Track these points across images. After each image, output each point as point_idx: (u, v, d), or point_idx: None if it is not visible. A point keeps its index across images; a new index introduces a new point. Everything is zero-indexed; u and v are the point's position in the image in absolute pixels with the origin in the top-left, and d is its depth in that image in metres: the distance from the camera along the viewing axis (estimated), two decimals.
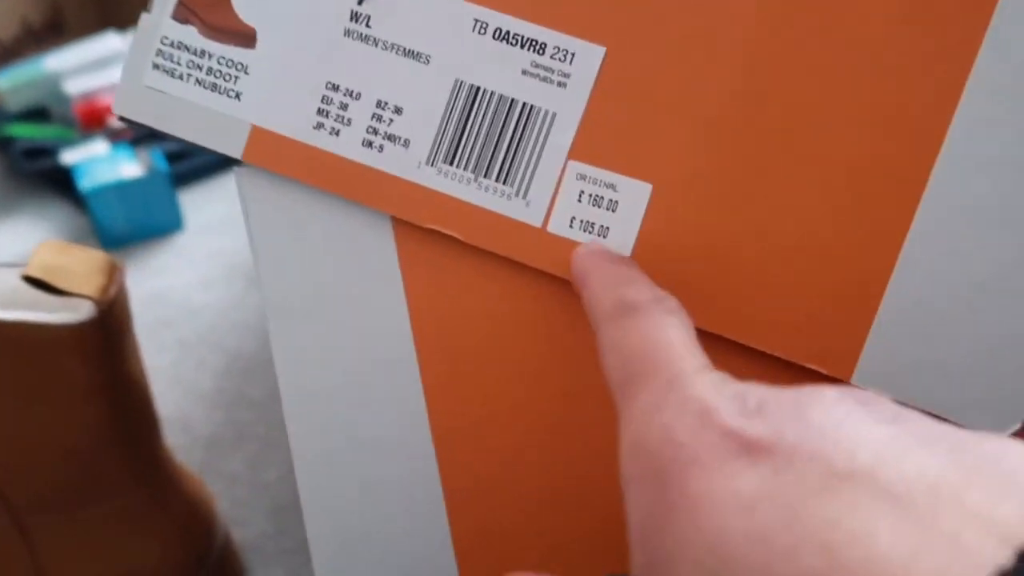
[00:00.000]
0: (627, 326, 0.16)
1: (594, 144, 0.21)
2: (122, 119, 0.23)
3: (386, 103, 0.22)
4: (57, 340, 0.32)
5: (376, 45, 0.21)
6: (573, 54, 0.21)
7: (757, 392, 0.14)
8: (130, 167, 0.74)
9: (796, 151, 0.21)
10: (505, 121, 0.21)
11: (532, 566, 0.22)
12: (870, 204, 0.21)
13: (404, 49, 0.21)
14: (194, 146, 0.23)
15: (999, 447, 0.12)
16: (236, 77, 0.22)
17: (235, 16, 0.22)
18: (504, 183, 0.21)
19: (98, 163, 0.75)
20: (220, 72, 0.22)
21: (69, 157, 0.79)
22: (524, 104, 0.21)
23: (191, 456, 0.55)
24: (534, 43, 0.21)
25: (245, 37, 0.22)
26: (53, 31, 1.05)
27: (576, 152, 0.21)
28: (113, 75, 0.89)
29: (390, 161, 0.22)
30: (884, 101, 0.20)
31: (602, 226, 0.21)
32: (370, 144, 0.22)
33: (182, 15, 0.22)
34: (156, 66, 0.22)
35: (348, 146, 0.22)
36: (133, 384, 0.36)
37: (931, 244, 0.21)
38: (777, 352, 0.21)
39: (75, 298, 0.32)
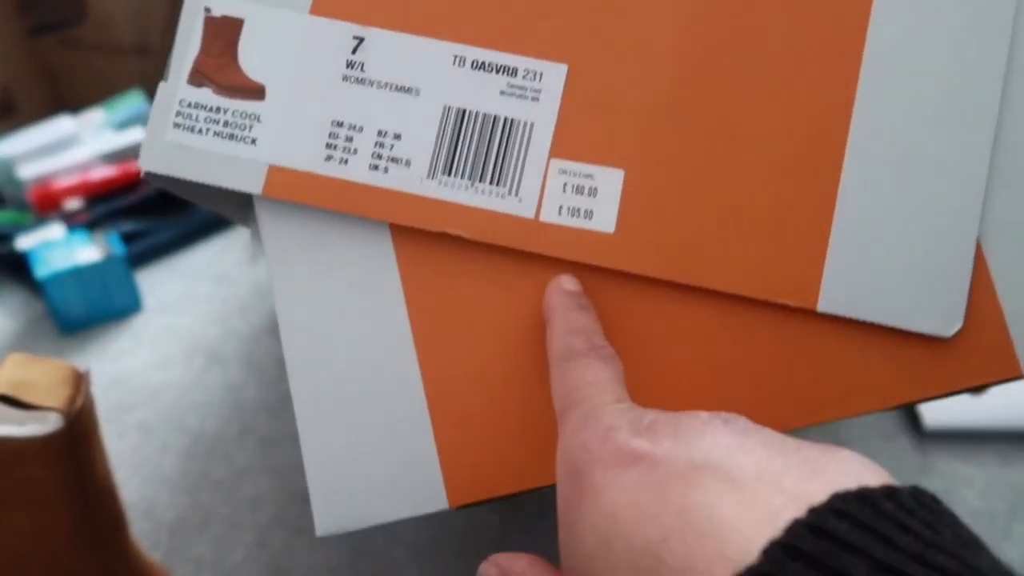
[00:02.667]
0: (569, 367, 0.21)
1: (570, 143, 0.25)
2: (148, 176, 0.25)
3: (386, 132, 0.25)
4: (26, 451, 0.34)
5: (372, 85, 0.25)
6: (541, 73, 0.25)
7: (650, 415, 0.19)
8: (86, 252, 0.75)
9: (737, 131, 0.25)
10: (491, 134, 0.25)
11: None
12: (804, 159, 0.25)
13: (396, 86, 0.25)
14: (216, 189, 0.25)
15: (824, 451, 0.16)
16: (250, 126, 0.25)
17: (243, 75, 0.25)
18: (497, 185, 0.25)
19: (54, 248, 0.76)
20: (236, 123, 0.25)
21: (24, 242, 0.79)
22: (505, 119, 0.25)
23: (156, 542, 0.55)
24: (507, 68, 0.25)
25: (255, 92, 0.25)
26: (3, 112, 1.05)
27: (556, 151, 0.25)
28: (66, 158, 0.90)
29: (395, 179, 0.25)
30: (795, 88, 0.25)
31: (587, 210, 0.25)
32: (376, 167, 0.25)
33: (196, 80, 0.25)
34: (176, 125, 0.25)
35: (357, 171, 0.25)
36: (100, 485, 0.37)
37: (860, 182, 0.24)
38: (749, 293, 0.24)
39: (42, 410, 0.34)
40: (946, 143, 0.24)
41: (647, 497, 0.16)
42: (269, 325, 0.77)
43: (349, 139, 0.25)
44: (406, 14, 0.25)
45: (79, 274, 0.73)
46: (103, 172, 0.89)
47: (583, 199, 0.24)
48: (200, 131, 0.25)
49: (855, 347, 0.24)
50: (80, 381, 0.35)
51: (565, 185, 0.24)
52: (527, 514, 0.56)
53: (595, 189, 0.24)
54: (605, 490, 0.17)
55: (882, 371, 0.24)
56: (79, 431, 0.34)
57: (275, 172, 0.25)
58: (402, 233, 0.25)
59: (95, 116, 0.99)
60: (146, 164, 0.25)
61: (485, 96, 0.25)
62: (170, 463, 0.62)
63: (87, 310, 0.75)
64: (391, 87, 0.25)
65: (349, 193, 0.24)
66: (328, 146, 0.25)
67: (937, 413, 0.62)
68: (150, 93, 1.09)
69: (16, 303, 0.79)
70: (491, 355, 0.25)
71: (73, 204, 0.86)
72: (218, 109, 0.25)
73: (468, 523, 0.56)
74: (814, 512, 0.14)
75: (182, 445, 0.64)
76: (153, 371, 0.71)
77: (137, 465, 0.61)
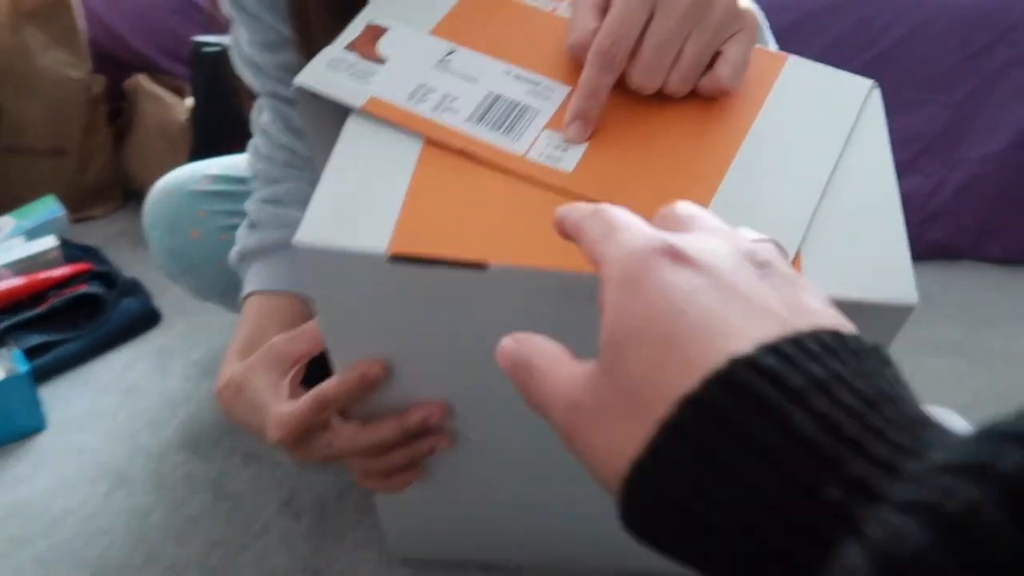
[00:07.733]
0: (596, 217, 0.27)
1: (559, 124, 0.40)
2: (297, 90, 0.41)
3: (449, 95, 0.41)
4: None
5: (450, 73, 0.42)
6: (554, 87, 0.41)
7: (675, 231, 0.25)
8: None
9: (663, 136, 0.40)
10: (513, 110, 0.41)
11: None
12: (704, 157, 0.39)
13: (465, 75, 0.42)
14: (333, 100, 0.40)
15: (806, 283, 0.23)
16: (369, 75, 0.41)
17: (377, 51, 0.42)
18: (507, 135, 0.39)
19: None
20: (361, 71, 0.42)
21: None
22: (524, 104, 0.41)
23: None
24: (533, 81, 0.42)
25: (379, 60, 0.42)
26: None
27: (548, 126, 0.40)
28: None
29: (446, 118, 0.40)
30: (708, 117, 0.41)
31: (558, 157, 0.39)
32: (436, 109, 0.40)
33: (350, 48, 0.43)
34: (328, 66, 0.42)
35: (424, 109, 0.40)
36: None
37: (738, 178, 0.38)
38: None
39: None
40: (792, 178, 0.39)
41: (680, 296, 0.22)
42: (179, 439, 0.76)
43: (426, 93, 0.40)
44: (485, 42, 0.43)
45: None
46: (9, 283, 0.87)
47: (557, 152, 0.39)
48: (340, 71, 0.41)
49: None
50: None
51: (547, 143, 0.39)
52: None
53: (567, 149, 0.39)
54: (647, 279, 0.23)
55: None
56: None
57: (373, 100, 0.40)
58: (429, 145, 0.39)
59: (4, 223, 0.97)
60: (299, 79, 0.41)
61: (516, 91, 0.41)
62: None
63: None
64: (462, 76, 0.41)
65: (414, 119, 0.40)
66: (412, 94, 0.40)
67: None
68: (64, 195, 1.07)
69: None
70: (466, 193, 0.38)
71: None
72: (354, 64, 0.42)
73: None
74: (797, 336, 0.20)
75: None
76: (53, 498, 0.68)
77: None
